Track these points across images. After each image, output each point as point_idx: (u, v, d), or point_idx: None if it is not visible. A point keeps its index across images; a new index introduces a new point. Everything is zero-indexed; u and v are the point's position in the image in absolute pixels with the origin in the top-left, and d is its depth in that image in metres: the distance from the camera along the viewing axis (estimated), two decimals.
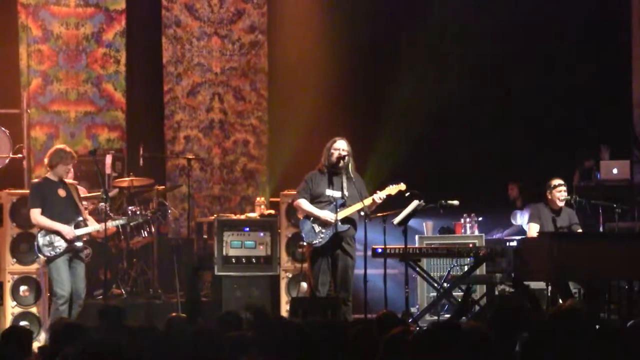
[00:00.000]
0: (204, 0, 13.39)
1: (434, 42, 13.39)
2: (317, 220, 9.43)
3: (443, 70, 13.32)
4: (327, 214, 9.39)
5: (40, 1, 12.71)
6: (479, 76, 13.19)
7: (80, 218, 9.53)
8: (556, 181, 10.55)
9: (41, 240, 9.40)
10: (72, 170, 10.06)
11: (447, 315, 10.97)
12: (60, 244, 9.37)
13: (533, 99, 13.34)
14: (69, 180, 9.84)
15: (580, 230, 10.56)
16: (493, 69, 13.31)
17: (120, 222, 10.58)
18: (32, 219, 9.53)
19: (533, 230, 10.42)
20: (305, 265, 9.82)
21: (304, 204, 9.52)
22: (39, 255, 9.56)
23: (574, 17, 13.32)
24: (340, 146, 9.48)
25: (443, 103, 13.13)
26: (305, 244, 9.67)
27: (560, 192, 10.47)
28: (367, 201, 9.39)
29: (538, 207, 10.63)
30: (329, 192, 9.49)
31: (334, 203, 9.39)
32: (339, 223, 9.36)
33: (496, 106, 13.29)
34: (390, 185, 9.60)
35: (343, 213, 9.39)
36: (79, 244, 9.47)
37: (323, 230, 9.41)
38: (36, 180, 10.13)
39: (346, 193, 9.47)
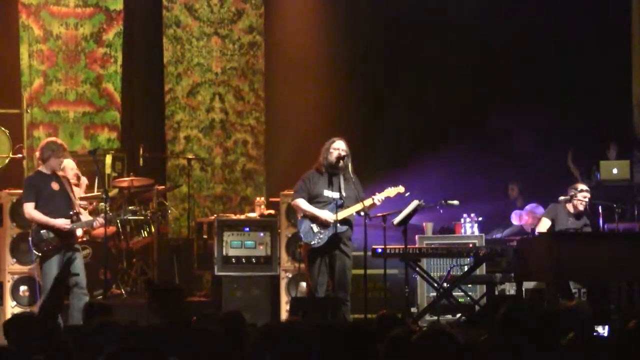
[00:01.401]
0: (204, 0, 13.39)
1: (434, 43, 13.38)
2: (316, 220, 9.42)
3: (443, 71, 13.31)
4: (327, 214, 9.39)
5: (40, 1, 12.70)
6: (479, 76, 13.19)
7: (73, 212, 9.47)
8: (582, 186, 10.91)
9: (35, 236, 9.38)
10: (76, 168, 10.09)
11: (448, 316, 10.98)
12: (55, 241, 9.32)
13: (533, 98, 13.33)
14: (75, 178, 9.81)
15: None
16: (493, 69, 13.31)
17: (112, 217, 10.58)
18: (26, 213, 9.44)
19: (543, 224, 10.56)
20: (303, 265, 9.83)
21: (303, 203, 9.51)
22: (33, 251, 9.52)
23: (573, 16, 13.31)
24: (340, 146, 9.48)
25: (443, 104, 13.13)
26: (303, 243, 9.67)
27: (584, 198, 10.68)
28: (367, 202, 9.41)
29: (557, 206, 10.79)
30: (327, 192, 9.49)
31: (333, 203, 9.40)
32: (338, 224, 9.37)
33: (496, 106, 13.28)
34: (389, 188, 9.62)
35: (343, 213, 9.38)
36: (73, 237, 9.42)
37: (322, 231, 9.40)
38: (29, 174, 10.09)
39: (344, 194, 9.47)
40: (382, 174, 11.65)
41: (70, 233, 9.38)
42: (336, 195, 9.45)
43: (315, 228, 9.41)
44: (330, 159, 9.47)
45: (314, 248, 9.40)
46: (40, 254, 9.41)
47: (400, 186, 9.64)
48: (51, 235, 9.32)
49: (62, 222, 9.31)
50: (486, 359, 4.47)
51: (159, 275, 11.40)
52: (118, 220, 11.28)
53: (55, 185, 9.43)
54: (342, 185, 9.47)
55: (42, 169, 9.46)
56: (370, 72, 13.67)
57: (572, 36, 13.37)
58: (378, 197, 9.49)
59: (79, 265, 9.40)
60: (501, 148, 13.12)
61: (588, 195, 10.78)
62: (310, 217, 9.43)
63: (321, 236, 9.38)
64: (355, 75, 13.56)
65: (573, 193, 10.71)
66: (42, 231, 9.34)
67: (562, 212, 10.70)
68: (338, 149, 9.47)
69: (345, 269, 9.47)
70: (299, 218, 9.61)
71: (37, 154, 9.56)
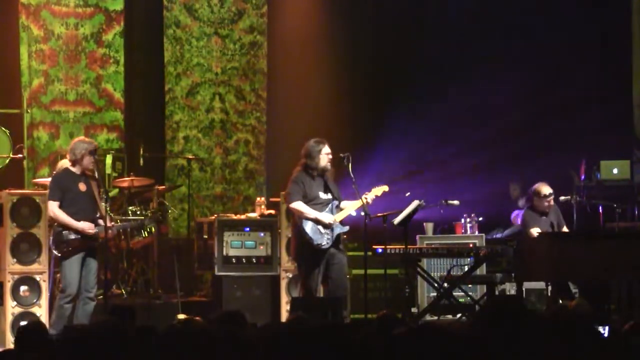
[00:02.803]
0: (204, 1, 13.39)
1: (434, 43, 13.38)
2: (319, 223, 9.45)
3: (443, 71, 13.31)
4: (328, 217, 9.45)
5: (41, 1, 12.69)
6: (478, 76, 13.19)
7: (98, 215, 9.44)
8: (545, 190, 10.60)
9: (56, 237, 9.37)
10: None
11: (448, 316, 10.99)
12: (76, 242, 9.32)
13: (533, 98, 13.34)
14: None
15: (565, 229, 10.63)
16: (493, 69, 13.30)
17: (125, 225, 10.70)
18: (50, 212, 9.47)
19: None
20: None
21: (303, 206, 9.49)
22: (53, 251, 9.51)
23: (574, 17, 13.32)
24: (329, 151, 9.62)
25: (443, 104, 13.13)
26: (312, 244, 9.60)
27: (547, 203, 10.56)
28: (361, 202, 9.52)
29: (531, 213, 10.65)
30: (321, 194, 9.56)
31: (331, 204, 9.50)
32: (339, 224, 9.46)
33: (496, 106, 13.29)
34: (375, 187, 9.72)
35: (341, 214, 9.51)
36: (95, 240, 9.41)
37: (327, 232, 9.45)
38: (57, 172, 10.08)
39: (334, 194, 9.56)
40: (382, 173, 11.67)
41: (93, 236, 9.36)
42: (329, 196, 9.54)
43: (321, 229, 9.45)
44: (324, 165, 9.55)
45: (314, 249, 9.41)
46: (60, 255, 9.40)
47: (384, 185, 9.76)
48: (72, 236, 9.31)
49: (87, 226, 9.29)
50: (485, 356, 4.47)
51: (159, 275, 11.42)
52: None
53: (82, 186, 9.37)
54: (330, 187, 9.60)
55: (72, 167, 9.43)
56: (372, 72, 13.67)
57: (572, 37, 13.36)
58: (370, 197, 9.60)
59: (93, 270, 9.39)
60: (502, 147, 13.11)
61: (550, 198, 10.58)
62: (313, 220, 9.46)
63: (328, 237, 9.44)
64: (357, 76, 13.57)
65: (537, 197, 10.59)
66: (63, 232, 9.33)
67: (535, 216, 10.61)
68: (329, 153, 9.57)
69: (343, 267, 9.53)
70: (301, 221, 9.57)
71: (68, 155, 9.50)
